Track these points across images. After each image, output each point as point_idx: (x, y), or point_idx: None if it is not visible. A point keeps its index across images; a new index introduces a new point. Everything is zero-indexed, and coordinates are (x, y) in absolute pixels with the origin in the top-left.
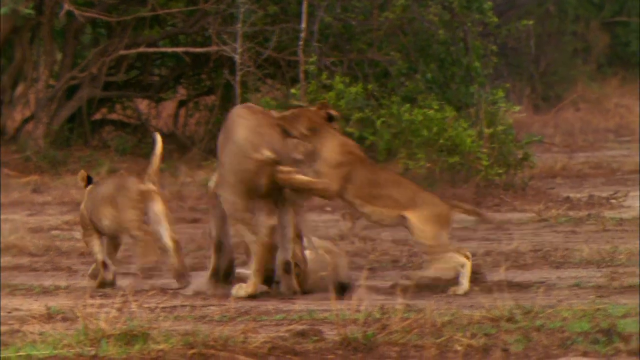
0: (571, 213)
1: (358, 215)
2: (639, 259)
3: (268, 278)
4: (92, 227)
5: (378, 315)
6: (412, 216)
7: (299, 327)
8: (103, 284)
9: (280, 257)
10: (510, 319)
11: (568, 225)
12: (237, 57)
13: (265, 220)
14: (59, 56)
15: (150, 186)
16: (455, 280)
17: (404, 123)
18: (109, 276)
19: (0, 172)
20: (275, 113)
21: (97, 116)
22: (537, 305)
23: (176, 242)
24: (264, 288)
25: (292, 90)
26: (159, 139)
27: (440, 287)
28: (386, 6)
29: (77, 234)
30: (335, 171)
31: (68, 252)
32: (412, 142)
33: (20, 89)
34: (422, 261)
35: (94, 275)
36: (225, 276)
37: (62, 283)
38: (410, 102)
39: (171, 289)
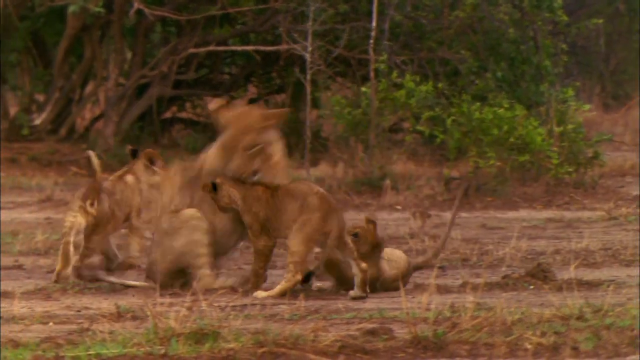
0: None
1: (429, 214)
2: None
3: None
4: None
5: (448, 314)
6: None
7: (369, 326)
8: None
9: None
10: (580, 317)
11: (637, 223)
12: (307, 56)
13: None
14: (128, 54)
15: None
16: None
17: (474, 122)
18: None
19: (69, 171)
20: None
21: (167, 115)
22: (607, 303)
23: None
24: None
25: (363, 89)
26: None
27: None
28: (456, 5)
29: (148, 232)
30: None
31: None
32: (482, 141)
33: (90, 87)
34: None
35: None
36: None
37: (133, 282)
38: (480, 100)
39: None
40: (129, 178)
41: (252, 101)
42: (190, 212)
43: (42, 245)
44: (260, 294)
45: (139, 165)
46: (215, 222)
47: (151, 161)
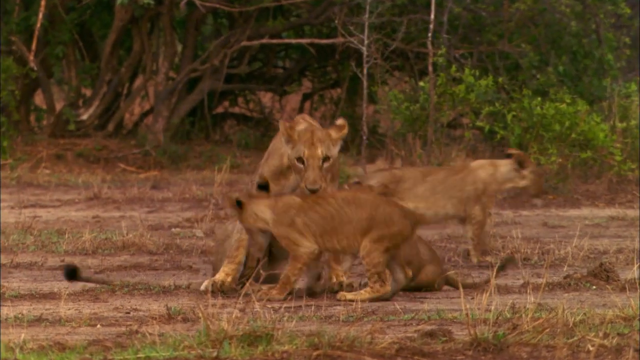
0: None
1: (489, 212)
2: None
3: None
4: None
5: (509, 315)
6: None
7: (428, 327)
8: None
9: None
10: None
11: None
12: (364, 49)
13: None
14: (179, 48)
15: None
16: None
17: (535, 117)
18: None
19: (117, 168)
20: None
21: (219, 110)
22: None
23: None
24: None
25: (421, 83)
26: None
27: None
28: None
29: (199, 231)
30: None
31: (188, 250)
32: (543, 137)
33: (138, 81)
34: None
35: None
36: None
37: (183, 282)
38: (541, 95)
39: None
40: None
41: (306, 96)
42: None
43: (90, 245)
44: (345, 295)
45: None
46: None
47: (520, 164)
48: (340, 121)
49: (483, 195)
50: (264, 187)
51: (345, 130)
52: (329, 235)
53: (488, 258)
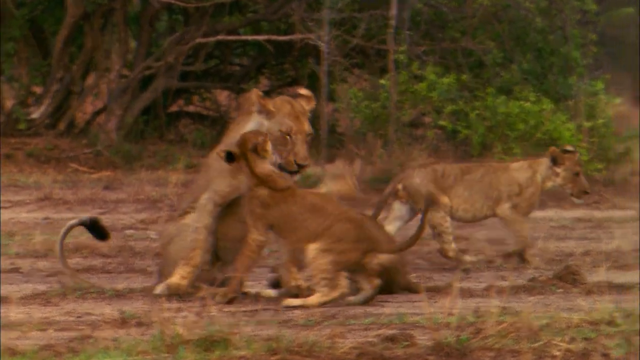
0: None
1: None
2: None
3: None
4: None
5: (472, 319)
6: None
7: (389, 332)
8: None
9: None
10: (610, 323)
11: None
12: (323, 46)
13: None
14: (132, 44)
15: None
16: None
17: (499, 116)
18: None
19: (69, 168)
20: None
21: (174, 108)
22: (639, 308)
23: None
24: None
25: (382, 81)
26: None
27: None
28: None
29: (153, 233)
30: None
31: (142, 252)
32: (507, 136)
33: (91, 79)
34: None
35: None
36: None
37: (137, 286)
38: (505, 93)
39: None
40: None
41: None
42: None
43: (41, 247)
44: (291, 301)
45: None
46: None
47: (555, 161)
48: (304, 91)
49: (516, 197)
50: (230, 155)
51: (313, 103)
52: (285, 233)
53: (537, 260)
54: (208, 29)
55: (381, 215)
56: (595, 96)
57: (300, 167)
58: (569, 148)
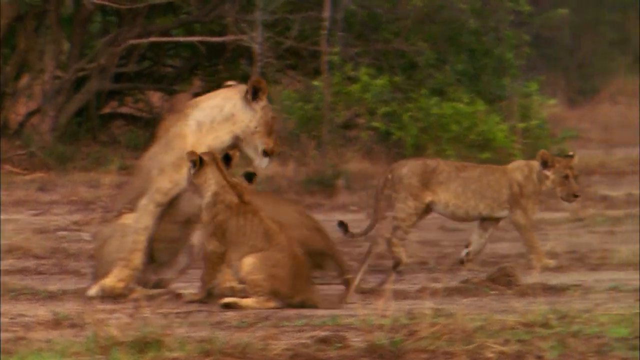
0: (609, 212)
1: (384, 215)
2: None
3: None
4: None
5: (405, 321)
6: None
7: (322, 334)
8: None
9: None
10: (544, 324)
11: (605, 225)
12: (256, 47)
13: None
14: (66, 46)
15: None
16: None
17: (433, 117)
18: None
19: (2, 169)
20: None
21: (107, 110)
22: (573, 309)
23: None
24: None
25: (315, 82)
26: None
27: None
28: None
29: (86, 235)
30: None
31: (76, 254)
32: (441, 138)
33: (24, 80)
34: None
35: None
36: None
37: (70, 287)
38: (439, 95)
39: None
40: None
41: (196, 95)
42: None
43: None
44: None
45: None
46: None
47: (545, 164)
48: (232, 82)
49: (521, 198)
50: (250, 176)
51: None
52: (229, 243)
53: (551, 262)
54: (141, 30)
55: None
56: (529, 97)
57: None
58: (570, 153)
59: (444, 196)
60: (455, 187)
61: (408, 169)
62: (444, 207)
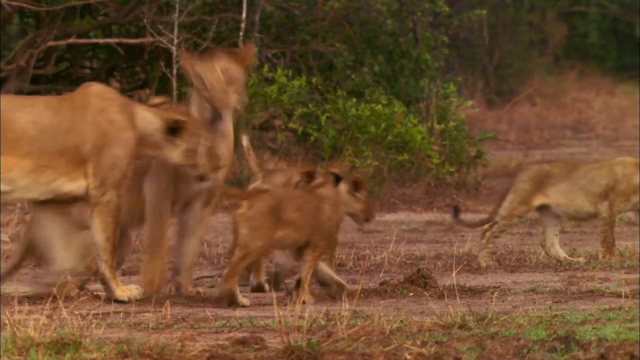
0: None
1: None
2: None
3: None
4: None
5: (323, 322)
6: None
7: (240, 335)
8: None
9: None
10: (462, 326)
11: (524, 226)
12: (173, 49)
13: None
14: None
15: None
16: None
17: (350, 119)
18: None
19: None
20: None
21: None
22: (491, 311)
23: None
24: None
25: None
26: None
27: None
28: None
29: (5, 235)
30: None
31: None
32: (358, 139)
33: None
34: (370, 265)
35: None
36: None
37: None
38: (356, 96)
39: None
40: None
41: None
42: None
43: None
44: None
45: None
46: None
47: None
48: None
49: (611, 192)
50: (309, 174)
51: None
52: None
53: (614, 259)
54: (59, 32)
55: None
56: (447, 99)
57: None
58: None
59: (555, 197)
60: (564, 186)
61: (525, 173)
62: (555, 207)
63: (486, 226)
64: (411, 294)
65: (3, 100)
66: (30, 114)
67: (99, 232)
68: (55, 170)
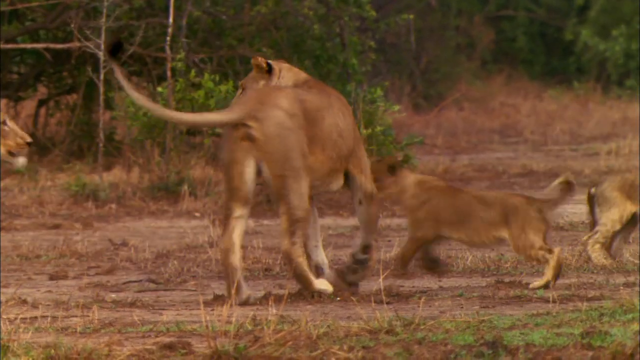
0: None
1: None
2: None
3: None
4: None
5: (250, 327)
6: None
7: (167, 340)
8: None
9: None
10: (389, 331)
11: None
12: (100, 54)
13: None
14: None
15: None
16: None
17: None
18: None
19: None
20: None
21: None
22: (418, 316)
23: None
24: None
25: (159, 89)
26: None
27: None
28: None
29: None
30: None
31: None
32: None
33: None
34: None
35: None
36: None
37: None
38: None
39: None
40: None
41: (41, 102)
42: None
43: None
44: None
45: None
46: None
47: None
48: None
49: None
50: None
51: None
52: None
53: None
54: None
55: None
56: (374, 103)
57: None
58: None
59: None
60: None
61: (607, 184)
62: None
63: (585, 237)
64: (338, 299)
65: None
66: None
67: None
68: None
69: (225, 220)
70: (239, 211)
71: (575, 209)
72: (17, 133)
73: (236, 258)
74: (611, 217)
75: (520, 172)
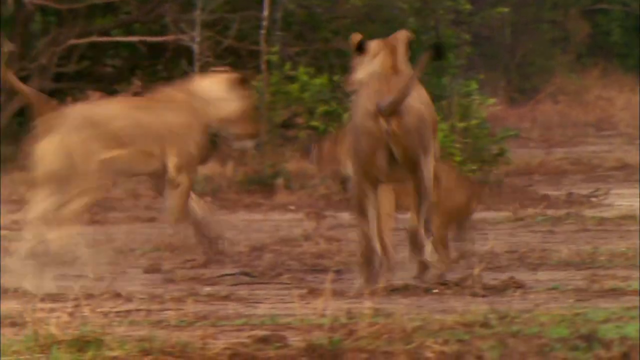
0: (549, 212)
1: (324, 214)
2: (621, 261)
3: None
4: None
5: (345, 320)
6: None
7: (261, 333)
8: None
9: None
10: (484, 325)
11: (546, 224)
12: (195, 47)
13: None
14: (6, 46)
15: None
16: None
17: None
18: None
19: None
20: None
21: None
22: (513, 309)
23: None
24: None
25: (254, 82)
26: None
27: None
28: None
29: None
30: None
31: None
32: None
33: None
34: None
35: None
36: None
37: (10, 286)
38: None
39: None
40: None
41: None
42: None
43: None
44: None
45: None
46: None
47: None
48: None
49: None
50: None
51: None
52: None
53: None
54: (81, 30)
55: None
56: (468, 97)
57: None
58: None
59: None
60: None
61: None
62: None
63: None
64: (433, 292)
65: None
66: None
67: None
68: None
69: (359, 207)
70: (373, 197)
71: None
72: None
73: (377, 245)
74: None
75: (614, 165)
